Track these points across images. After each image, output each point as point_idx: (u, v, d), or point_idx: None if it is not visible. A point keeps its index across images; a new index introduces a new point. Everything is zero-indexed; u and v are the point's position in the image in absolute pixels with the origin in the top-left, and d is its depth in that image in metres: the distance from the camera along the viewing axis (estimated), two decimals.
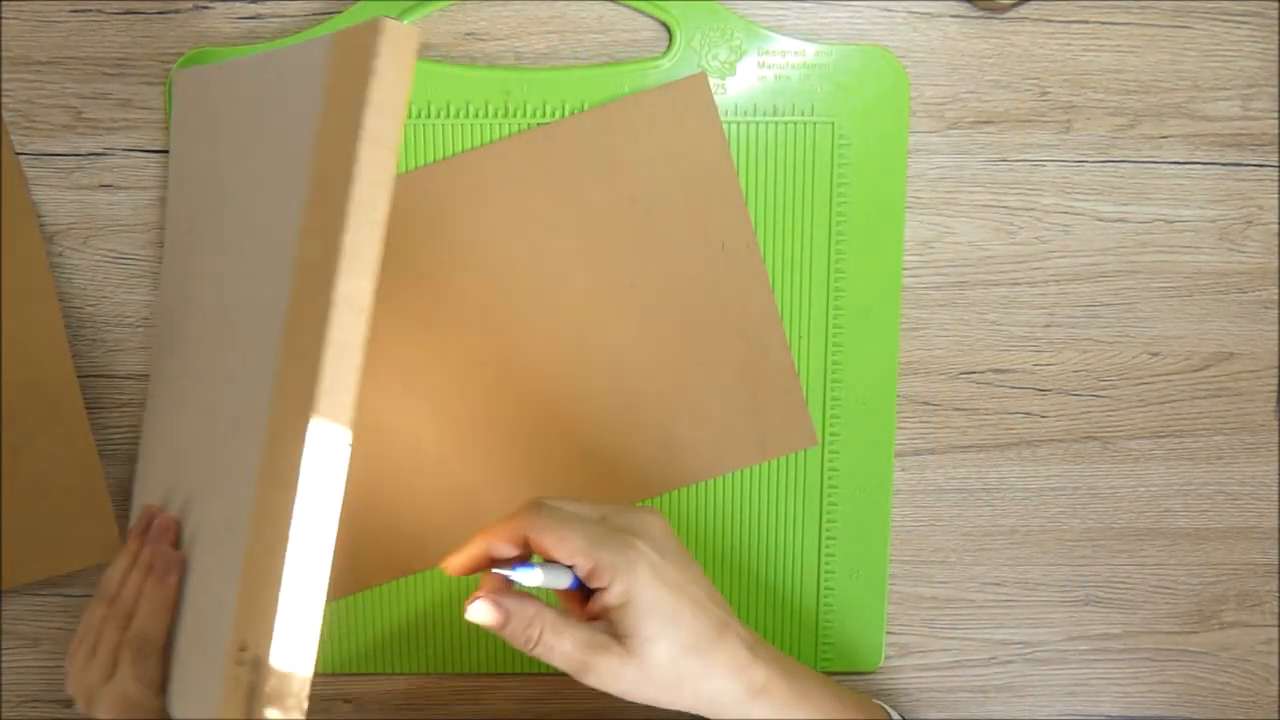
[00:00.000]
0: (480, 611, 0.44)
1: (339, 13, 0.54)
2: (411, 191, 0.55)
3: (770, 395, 0.57)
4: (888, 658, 0.61)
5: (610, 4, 0.55)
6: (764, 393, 0.57)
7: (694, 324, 0.56)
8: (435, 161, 0.55)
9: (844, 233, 0.56)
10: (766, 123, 0.55)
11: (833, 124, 0.56)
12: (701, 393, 0.57)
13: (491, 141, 0.55)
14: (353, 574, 0.58)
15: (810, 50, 0.55)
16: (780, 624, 0.60)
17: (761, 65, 0.55)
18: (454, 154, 0.55)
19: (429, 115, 0.55)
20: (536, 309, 0.56)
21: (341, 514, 0.56)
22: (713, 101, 0.55)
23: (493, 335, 0.56)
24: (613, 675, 0.43)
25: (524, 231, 0.55)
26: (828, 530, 0.59)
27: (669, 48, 0.55)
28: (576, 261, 0.56)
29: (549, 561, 0.44)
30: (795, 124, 0.55)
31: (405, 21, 0.54)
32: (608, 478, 0.58)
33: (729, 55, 0.55)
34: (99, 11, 0.55)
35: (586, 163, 0.55)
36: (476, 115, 0.55)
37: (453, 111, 0.55)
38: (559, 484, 0.57)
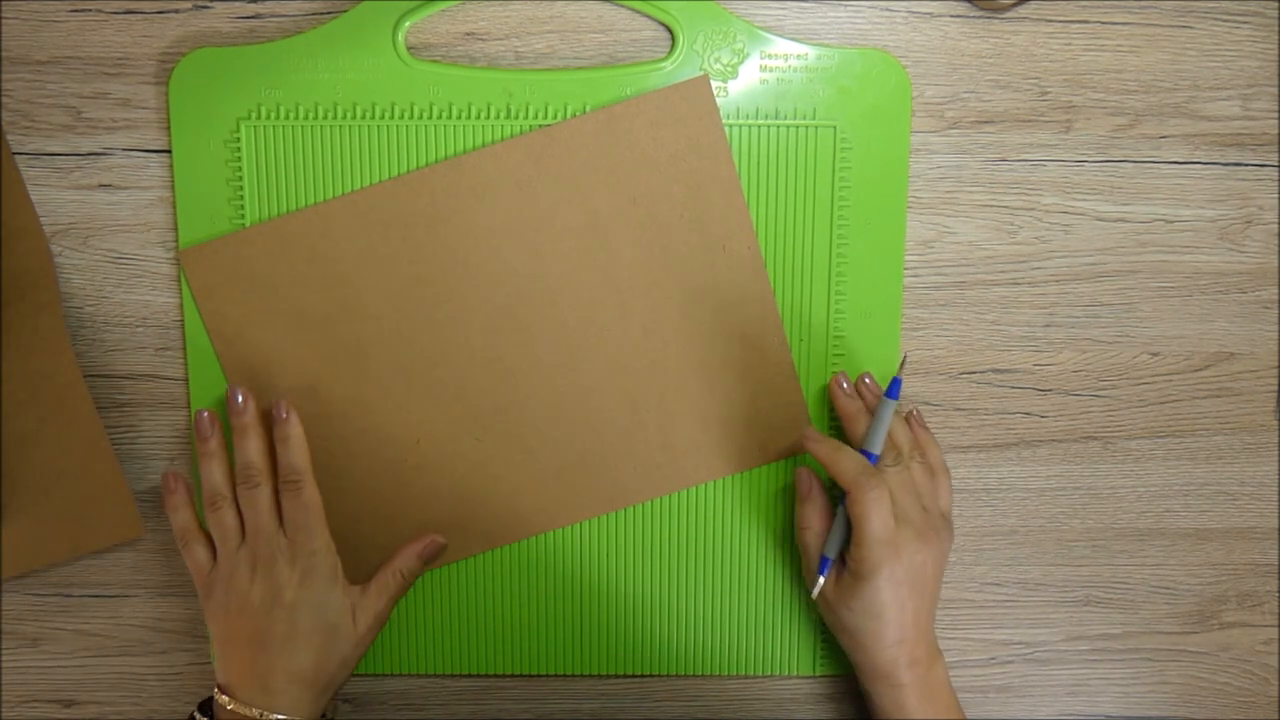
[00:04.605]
0: (803, 476, 0.57)
1: (340, 12, 0.54)
2: (413, 192, 0.55)
3: (771, 398, 0.57)
4: None
5: (611, 4, 0.55)
6: (764, 396, 0.57)
7: (695, 326, 0.56)
8: (437, 162, 0.55)
9: (845, 236, 0.56)
10: (768, 126, 0.55)
11: (834, 127, 0.56)
12: (701, 395, 0.57)
13: (493, 143, 0.55)
14: (350, 572, 0.58)
15: (812, 53, 0.55)
16: (782, 625, 0.60)
17: (763, 68, 0.55)
18: (455, 154, 0.55)
19: (430, 116, 0.55)
20: (538, 310, 0.56)
21: (340, 512, 0.57)
22: (715, 104, 0.55)
23: (494, 336, 0.56)
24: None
25: (526, 232, 0.55)
26: None
27: (671, 50, 0.55)
28: (578, 263, 0.56)
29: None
30: (797, 127, 0.55)
31: (407, 23, 0.54)
32: (608, 479, 0.58)
33: (731, 58, 0.55)
34: (99, 11, 0.55)
35: (589, 164, 0.55)
36: (478, 117, 0.55)
37: (454, 113, 0.55)
38: (559, 484, 0.58)
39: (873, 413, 0.56)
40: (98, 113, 0.55)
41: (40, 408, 0.56)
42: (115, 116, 0.55)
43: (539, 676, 0.60)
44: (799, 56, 0.55)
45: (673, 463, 0.58)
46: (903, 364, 0.55)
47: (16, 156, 0.55)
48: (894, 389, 0.54)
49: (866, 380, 0.57)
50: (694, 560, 0.59)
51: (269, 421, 0.55)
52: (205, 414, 0.55)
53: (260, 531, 0.53)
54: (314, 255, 0.55)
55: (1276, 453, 0.61)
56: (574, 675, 0.60)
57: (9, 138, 0.55)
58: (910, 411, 0.58)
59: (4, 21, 0.55)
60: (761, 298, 0.56)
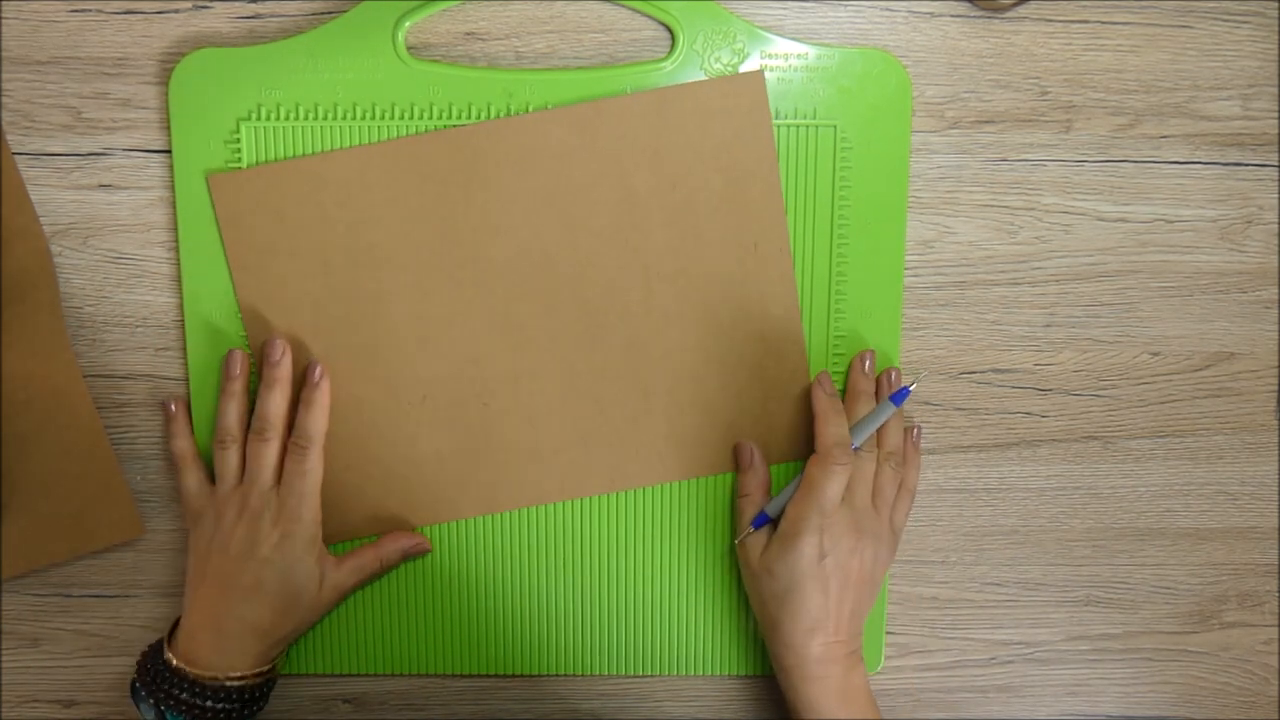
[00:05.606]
0: (744, 447, 0.58)
1: (342, 13, 0.54)
2: (454, 149, 0.54)
3: (780, 403, 0.57)
4: (888, 658, 0.61)
5: (611, 4, 0.55)
6: (775, 399, 0.57)
7: (716, 320, 0.56)
8: (480, 121, 0.54)
9: (845, 236, 0.56)
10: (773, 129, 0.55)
11: (835, 127, 0.55)
12: (713, 390, 0.57)
13: (535, 108, 0.54)
14: (333, 520, 0.57)
15: (812, 53, 0.55)
16: None
17: (763, 68, 0.55)
18: (463, 149, 0.54)
19: (430, 116, 0.55)
20: (562, 282, 0.56)
21: (336, 460, 0.56)
22: (766, 101, 0.55)
23: (514, 303, 0.56)
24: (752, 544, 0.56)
25: (561, 203, 0.55)
26: None
27: (672, 50, 0.54)
28: (609, 240, 0.55)
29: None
30: (797, 127, 0.55)
31: (407, 22, 0.54)
32: (610, 460, 0.57)
33: (731, 58, 0.54)
34: (99, 11, 0.55)
35: (633, 143, 0.54)
36: (477, 117, 0.55)
37: (454, 113, 0.55)
38: (560, 459, 0.57)
39: (878, 401, 0.56)
40: (98, 113, 0.55)
41: (40, 408, 0.56)
42: (115, 116, 0.55)
43: (539, 677, 0.60)
44: (799, 56, 0.55)
45: (676, 453, 0.58)
46: (920, 377, 0.55)
47: (16, 156, 0.55)
48: (900, 396, 0.55)
49: (893, 375, 0.57)
50: (693, 555, 0.59)
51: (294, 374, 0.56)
52: (237, 353, 0.56)
53: (256, 483, 0.54)
54: (345, 198, 0.55)
55: (1276, 453, 0.61)
56: (574, 676, 0.60)
57: (9, 138, 0.55)
58: (912, 428, 0.58)
59: (4, 21, 0.55)
60: (786, 301, 0.56)
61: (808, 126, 0.55)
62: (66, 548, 0.57)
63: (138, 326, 0.57)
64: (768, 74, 0.55)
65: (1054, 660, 0.62)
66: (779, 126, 0.55)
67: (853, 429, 0.55)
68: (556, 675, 0.60)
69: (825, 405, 0.55)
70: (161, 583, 0.59)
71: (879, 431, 0.56)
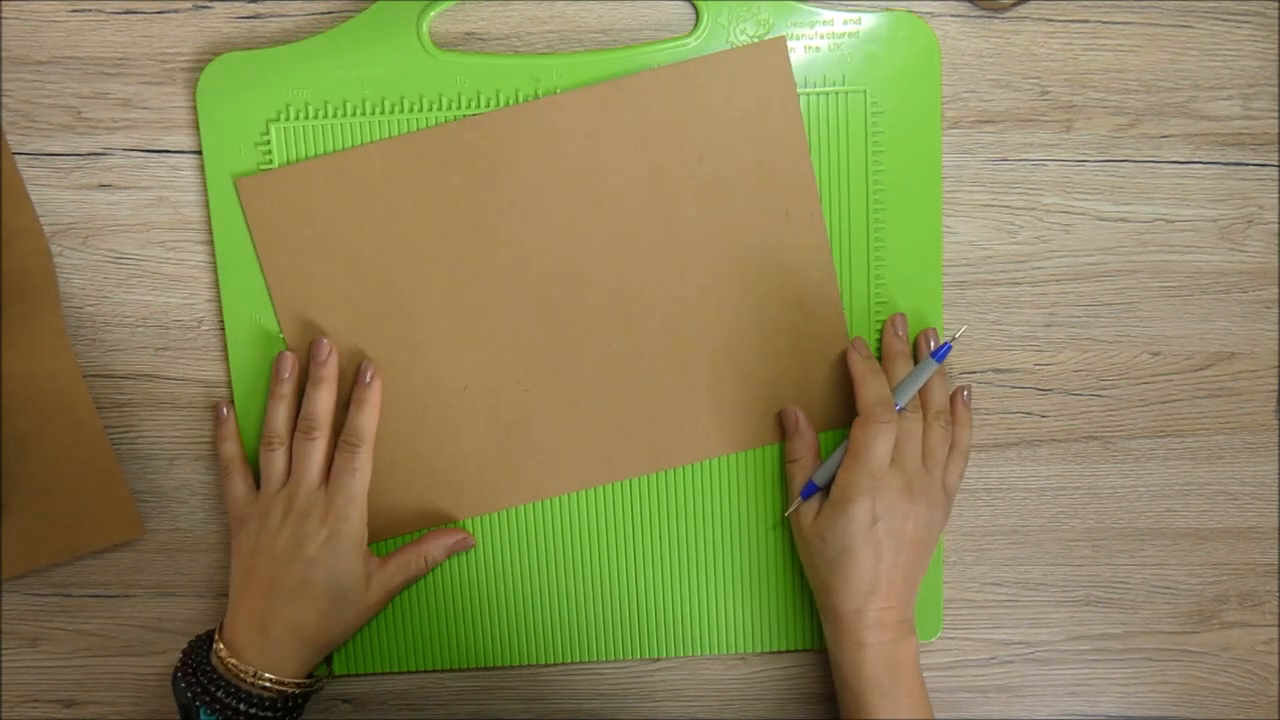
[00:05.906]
0: (789, 412, 0.57)
1: (342, 12, 0.54)
2: (479, 136, 0.54)
3: (822, 369, 0.57)
4: None
5: (612, 2, 0.55)
6: (815, 366, 0.57)
7: (751, 290, 0.56)
8: (505, 107, 0.54)
9: (882, 202, 0.56)
10: (798, 95, 0.55)
11: (864, 92, 0.55)
12: (753, 361, 0.57)
13: (563, 90, 0.54)
14: (378, 516, 0.57)
15: (839, 20, 0.55)
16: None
17: (790, 38, 0.55)
18: (489, 136, 0.54)
19: (458, 106, 0.54)
20: (594, 263, 0.56)
21: (379, 455, 0.56)
22: (789, 67, 0.54)
23: (548, 287, 0.56)
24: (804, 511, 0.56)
25: (590, 184, 0.55)
26: None
27: (696, 25, 0.54)
28: (640, 218, 0.55)
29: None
30: (826, 95, 0.55)
31: (431, 13, 0.54)
32: (653, 438, 0.57)
33: (756, 29, 0.54)
34: (99, 11, 0.55)
35: (658, 119, 0.54)
36: (506, 104, 0.54)
37: (482, 101, 0.54)
38: (603, 440, 0.57)
39: (916, 360, 0.56)
40: (97, 113, 0.55)
41: (40, 408, 0.56)
42: (115, 116, 0.55)
43: (540, 677, 0.60)
44: (825, 23, 0.55)
45: (719, 428, 0.57)
46: (960, 334, 0.56)
47: (16, 156, 0.55)
48: (940, 353, 0.54)
49: (931, 336, 0.57)
50: (742, 530, 0.58)
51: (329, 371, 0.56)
52: (287, 356, 0.55)
53: (304, 482, 0.54)
54: (373, 193, 0.55)
55: (1276, 453, 0.61)
56: (575, 675, 0.60)
57: (9, 138, 0.55)
58: (962, 388, 0.58)
59: (4, 21, 0.55)
60: (821, 266, 0.56)
61: (837, 93, 0.55)
62: (66, 548, 0.57)
63: (138, 326, 0.57)
64: (794, 43, 0.55)
65: (1054, 660, 0.62)
66: (808, 95, 0.55)
67: (895, 390, 0.54)
68: (558, 675, 0.60)
69: (862, 367, 0.55)
70: (161, 583, 0.59)
71: (924, 393, 0.55)
